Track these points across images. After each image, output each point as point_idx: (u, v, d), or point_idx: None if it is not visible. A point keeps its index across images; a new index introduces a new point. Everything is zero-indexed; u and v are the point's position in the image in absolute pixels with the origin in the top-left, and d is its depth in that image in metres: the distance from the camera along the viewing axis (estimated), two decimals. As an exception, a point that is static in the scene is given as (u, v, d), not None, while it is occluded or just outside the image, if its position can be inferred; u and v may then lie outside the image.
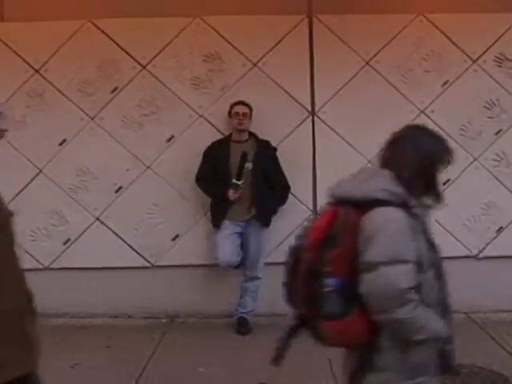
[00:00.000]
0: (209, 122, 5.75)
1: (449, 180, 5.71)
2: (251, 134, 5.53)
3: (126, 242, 5.82)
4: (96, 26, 5.67)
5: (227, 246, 5.39)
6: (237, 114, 5.43)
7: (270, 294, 5.59)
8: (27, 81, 5.71)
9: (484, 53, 5.70)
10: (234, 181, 5.27)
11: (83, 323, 5.71)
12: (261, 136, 5.52)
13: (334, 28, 5.64)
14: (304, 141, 5.74)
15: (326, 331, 2.24)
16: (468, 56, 5.70)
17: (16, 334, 2.41)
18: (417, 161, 2.32)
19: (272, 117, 5.65)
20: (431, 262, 2.28)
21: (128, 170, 5.77)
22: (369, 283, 2.17)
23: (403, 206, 2.24)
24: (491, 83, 5.72)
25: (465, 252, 5.76)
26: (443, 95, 5.72)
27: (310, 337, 2.34)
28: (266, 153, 5.47)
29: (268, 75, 5.70)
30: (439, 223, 5.74)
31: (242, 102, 5.48)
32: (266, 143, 5.52)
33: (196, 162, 5.54)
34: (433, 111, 5.71)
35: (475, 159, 5.74)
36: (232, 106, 5.49)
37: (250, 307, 5.53)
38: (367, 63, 5.70)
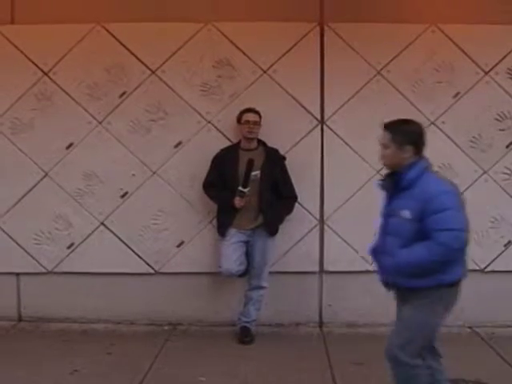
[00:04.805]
0: (217, 128, 5.71)
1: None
2: (260, 142, 5.47)
3: (130, 248, 5.78)
4: (106, 29, 5.65)
5: (231, 255, 5.33)
6: (247, 121, 5.37)
7: (273, 304, 5.56)
8: (36, 83, 5.68)
9: (496, 65, 5.64)
10: (241, 188, 5.22)
11: (84, 328, 5.68)
12: (269, 144, 5.47)
13: (346, 36, 5.60)
14: (312, 150, 5.69)
15: None
16: (480, 68, 5.65)
17: None
18: None
19: (281, 125, 5.60)
20: None
21: (134, 175, 5.74)
22: None
23: None
24: (503, 95, 5.66)
25: (472, 266, 5.66)
26: (454, 106, 5.67)
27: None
28: (274, 161, 5.42)
29: (278, 83, 5.66)
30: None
31: (252, 110, 5.41)
32: (275, 152, 5.47)
33: (203, 168, 5.50)
34: (443, 122, 5.66)
35: (485, 172, 5.68)
36: (242, 113, 5.43)
37: (254, 316, 5.44)
38: (378, 72, 5.65)
